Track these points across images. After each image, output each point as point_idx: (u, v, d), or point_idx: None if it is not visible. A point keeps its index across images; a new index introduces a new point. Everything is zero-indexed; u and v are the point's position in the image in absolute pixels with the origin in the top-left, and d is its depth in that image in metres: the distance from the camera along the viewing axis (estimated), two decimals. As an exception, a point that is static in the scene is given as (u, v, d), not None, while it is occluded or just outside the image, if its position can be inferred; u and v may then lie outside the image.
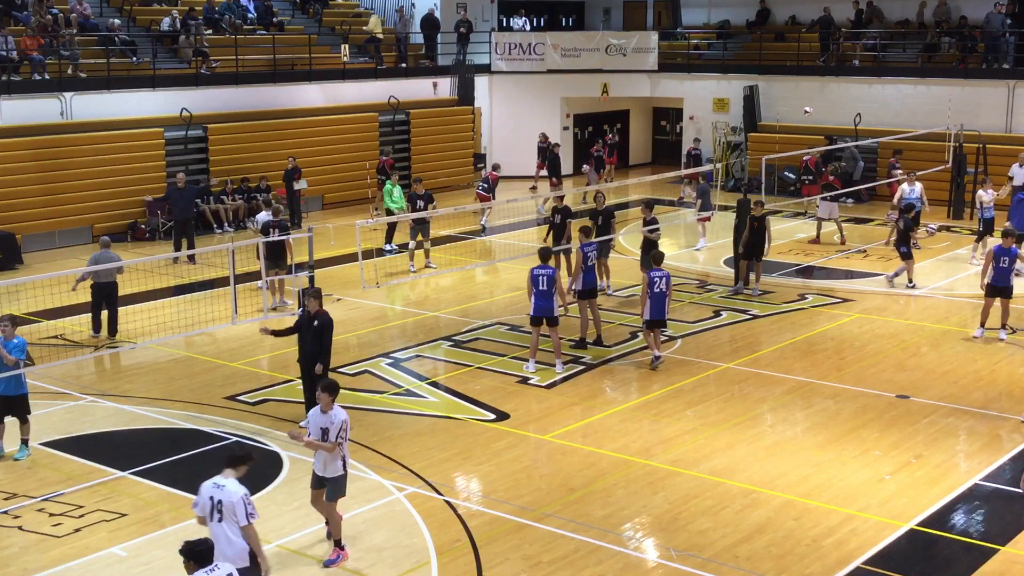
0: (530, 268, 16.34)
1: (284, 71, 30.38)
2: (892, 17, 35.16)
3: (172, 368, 16.73)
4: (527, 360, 16.47)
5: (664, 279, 16.53)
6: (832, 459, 13.21)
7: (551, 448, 13.62)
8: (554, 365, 16.40)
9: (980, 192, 23.43)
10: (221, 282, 20.93)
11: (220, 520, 8.72)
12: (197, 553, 7.83)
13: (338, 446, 10.48)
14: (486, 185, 27.67)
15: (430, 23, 34.63)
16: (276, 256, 19.30)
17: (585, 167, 32.53)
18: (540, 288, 16.05)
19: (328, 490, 10.66)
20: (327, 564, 10.63)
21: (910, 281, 21.17)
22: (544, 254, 16.41)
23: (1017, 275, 18.80)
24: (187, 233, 24.04)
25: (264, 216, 20.64)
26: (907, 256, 21.10)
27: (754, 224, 20.47)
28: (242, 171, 27.84)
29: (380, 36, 33.30)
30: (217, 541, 8.57)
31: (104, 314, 18.23)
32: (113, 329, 18.31)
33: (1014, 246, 17.81)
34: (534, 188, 31.46)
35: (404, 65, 33.16)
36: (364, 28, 33.50)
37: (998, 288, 17.74)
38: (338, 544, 10.76)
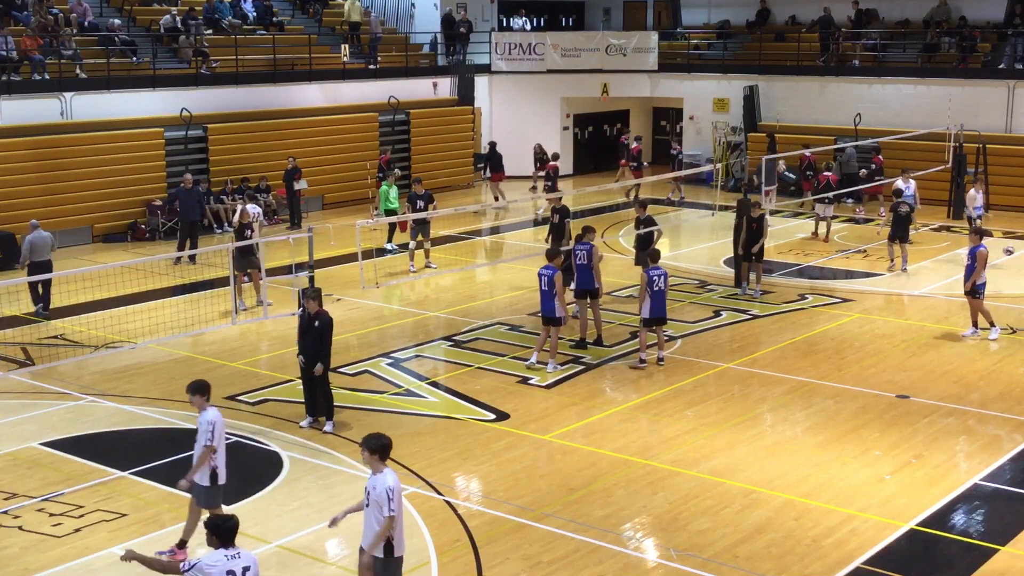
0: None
1: (284, 71, 30.38)
2: (892, 17, 35.17)
3: (172, 368, 16.73)
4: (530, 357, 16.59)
5: (663, 277, 16.56)
6: (832, 459, 13.21)
7: (551, 448, 13.61)
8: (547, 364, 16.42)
9: (972, 192, 23.49)
10: (221, 282, 20.93)
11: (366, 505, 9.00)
12: (223, 531, 7.79)
13: (211, 451, 10.36)
14: (550, 183, 28.19)
15: (449, 22, 34.79)
16: (247, 255, 19.24)
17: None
18: (542, 288, 16.26)
19: (194, 494, 10.61)
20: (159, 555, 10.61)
21: (902, 266, 22.38)
22: (547, 254, 16.67)
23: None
24: (191, 234, 24.03)
25: (251, 208, 20.73)
26: (906, 239, 22.43)
27: (752, 225, 20.46)
28: (242, 171, 27.83)
29: (360, 21, 33.33)
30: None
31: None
32: (46, 304, 19.21)
33: (980, 244, 17.84)
34: (534, 188, 31.54)
35: (375, 66, 32.89)
36: (342, 17, 33.51)
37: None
38: (182, 544, 10.68)
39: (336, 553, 10.99)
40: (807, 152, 29.02)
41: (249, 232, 19.80)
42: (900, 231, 22.17)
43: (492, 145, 31.45)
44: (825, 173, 26.52)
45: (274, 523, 11.40)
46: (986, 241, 18.28)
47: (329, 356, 13.94)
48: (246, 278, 19.89)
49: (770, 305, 20.12)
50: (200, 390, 10.52)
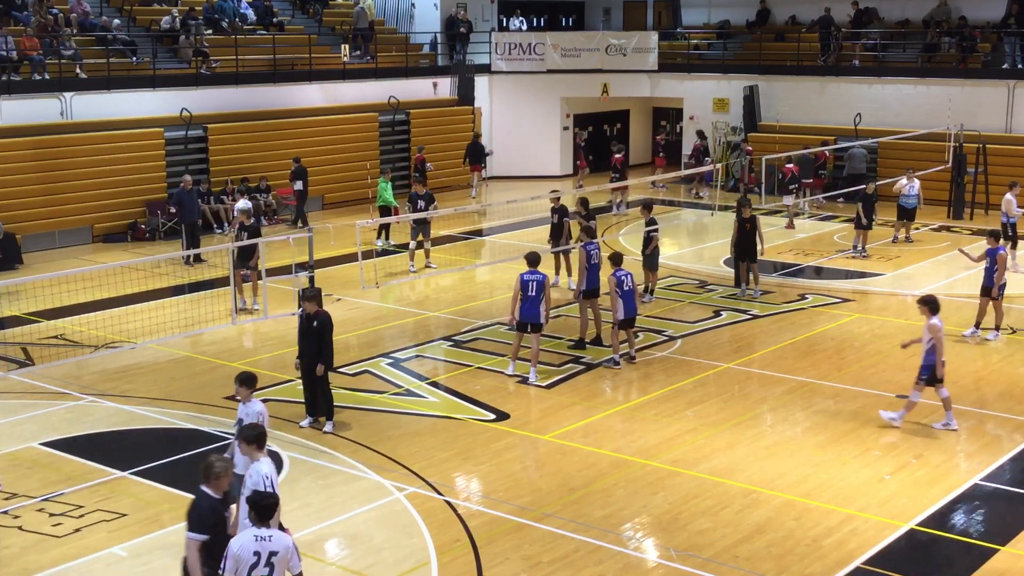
0: (519, 273, 16.10)
1: (284, 71, 30.39)
2: (892, 17, 35.17)
3: (172, 368, 16.73)
4: (518, 362, 16.21)
5: (629, 276, 16.50)
6: (832, 459, 13.21)
7: (551, 448, 13.61)
8: (529, 372, 16.00)
9: (1008, 196, 22.90)
10: (221, 282, 20.93)
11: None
12: (260, 507, 7.98)
13: None
14: (617, 175, 28.41)
15: (451, 23, 34.93)
16: (245, 256, 19.21)
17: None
18: (529, 294, 15.79)
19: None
20: None
21: (863, 249, 24.12)
22: (532, 259, 16.10)
23: (1016, 271, 21.17)
24: (193, 234, 23.98)
25: (243, 204, 20.67)
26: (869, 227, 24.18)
27: (745, 226, 20.45)
28: (242, 171, 27.84)
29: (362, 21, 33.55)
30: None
31: None
32: None
33: (1000, 246, 17.88)
34: (581, 187, 31.48)
35: (375, 66, 32.84)
36: (341, 18, 33.75)
37: (984, 288, 18.00)
38: None
39: (336, 553, 11.00)
40: (748, 148, 30.34)
41: (244, 234, 19.66)
42: (867, 220, 23.92)
43: (476, 137, 32.08)
44: (788, 165, 27.14)
45: (274, 523, 11.38)
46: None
47: (331, 355, 13.93)
48: (245, 277, 19.90)
49: (770, 305, 20.12)
50: (245, 381, 10.84)
